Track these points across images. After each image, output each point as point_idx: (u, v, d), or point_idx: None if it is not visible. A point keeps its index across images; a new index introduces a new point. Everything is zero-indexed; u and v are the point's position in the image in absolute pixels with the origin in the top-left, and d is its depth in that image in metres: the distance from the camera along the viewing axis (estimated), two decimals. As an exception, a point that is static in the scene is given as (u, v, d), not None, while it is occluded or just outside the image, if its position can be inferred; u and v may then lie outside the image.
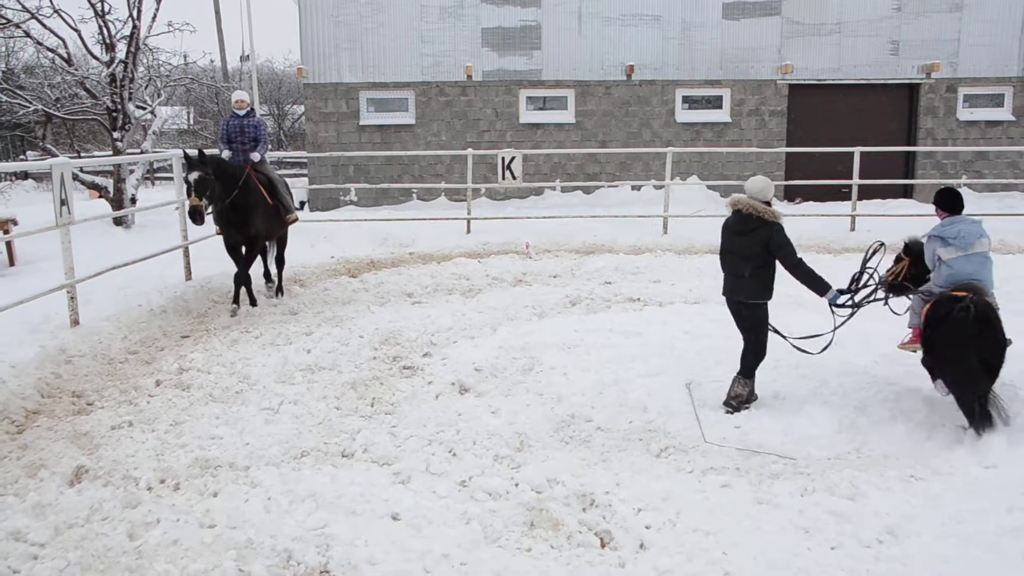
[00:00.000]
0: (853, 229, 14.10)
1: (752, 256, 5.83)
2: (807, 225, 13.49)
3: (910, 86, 18.08)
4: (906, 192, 17.83)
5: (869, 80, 17.88)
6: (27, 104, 16.45)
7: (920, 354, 5.83)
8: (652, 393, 6.28)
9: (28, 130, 22.74)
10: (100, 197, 16.14)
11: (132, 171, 15.58)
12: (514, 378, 6.81)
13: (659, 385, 6.44)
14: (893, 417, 5.73)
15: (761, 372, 6.16)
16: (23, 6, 14.52)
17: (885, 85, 17.98)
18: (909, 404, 5.92)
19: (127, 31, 15.03)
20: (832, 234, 13.71)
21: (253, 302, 9.26)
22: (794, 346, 6.06)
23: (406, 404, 6.27)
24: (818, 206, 16.16)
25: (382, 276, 11.24)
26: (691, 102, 18.13)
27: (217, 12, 28.96)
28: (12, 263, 11.61)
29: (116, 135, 15.30)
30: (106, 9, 14.80)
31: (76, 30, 15.06)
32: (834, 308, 5.90)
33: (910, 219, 12.51)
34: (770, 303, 6.02)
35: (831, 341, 6.03)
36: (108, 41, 15.03)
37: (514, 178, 14.40)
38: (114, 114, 15.23)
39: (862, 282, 6.01)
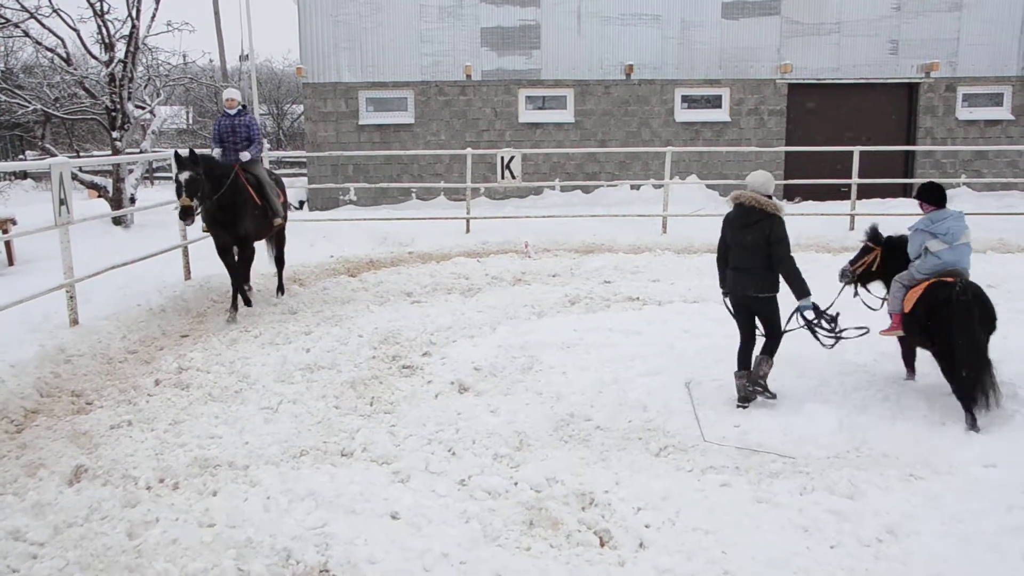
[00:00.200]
0: (852, 228, 14.10)
1: (756, 249, 5.86)
2: (806, 224, 13.50)
3: (909, 85, 18.09)
4: (905, 191, 17.81)
5: (868, 79, 17.88)
6: (26, 104, 16.45)
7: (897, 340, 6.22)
8: (651, 392, 6.28)
9: (27, 130, 22.74)
10: (99, 197, 16.13)
11: (131, 171, 15.57)
12: (513, 377, 6.80)
13: (658, 384, 6.44)
14: (893, 416, 5.73)
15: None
16: (22, 6, 14.52)
17: (884, 84, 17.99)
18: (909, 403, 5.93)
19: (126, 31, 15.04)
20: (831, 233, 13.71)
21: (248, 302, 9.19)
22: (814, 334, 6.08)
23: (405, 403, 6.27)
24: (817, 205, 16.16)
25: (381, 275, 11.24)
26: (690, 101, 18.13)
27: (216, 12, 28.95)
28: (11, 263, 11.61)
29: (115, 135, 15.29)
30: (105, 9, 14.81)
31: (75, 30, 15.07)
32: (801, 316, 6.01)
33: (910, 218, 12.49)
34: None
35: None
36: (107, 41, 15.02)
37: (513, 177, 14.40)
38: (113, 114, 15.22)
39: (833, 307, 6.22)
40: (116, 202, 15.07)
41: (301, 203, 18.96)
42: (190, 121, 32.19)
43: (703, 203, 16.03)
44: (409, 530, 4.28)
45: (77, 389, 6.57)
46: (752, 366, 6.08)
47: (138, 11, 14.88)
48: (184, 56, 21.26)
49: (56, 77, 16.86)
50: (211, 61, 31.03)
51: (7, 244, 11.50)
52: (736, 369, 6.10)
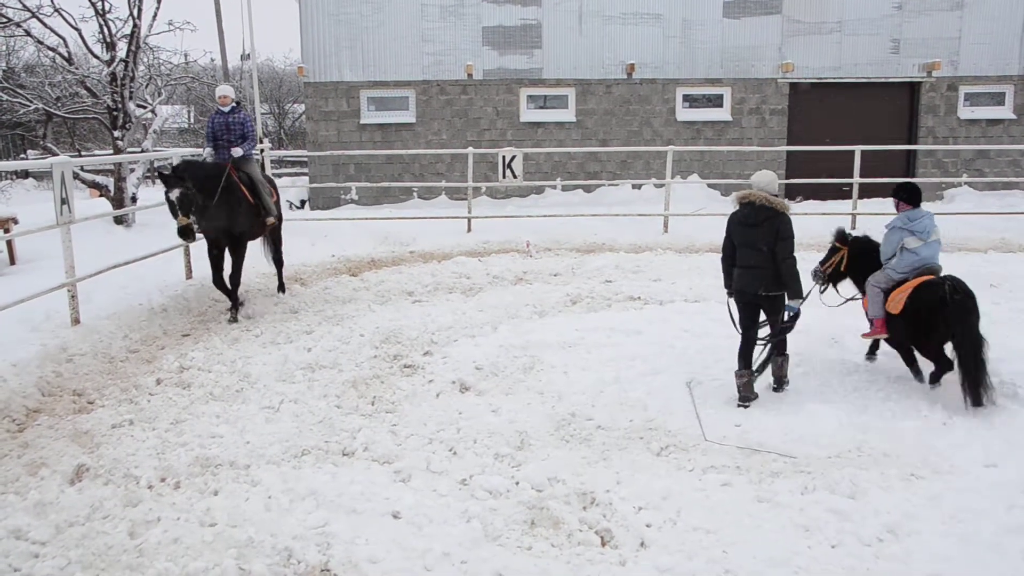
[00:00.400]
0: (854, 227, 14.08)
1: (767, 247, 5.89)
2: (808, 223, 13.45)
3: (911, 84, 18.07)
4: (907, 191, 17.81)
5: (870, 79, 17.86)
6: (28, 103, 16.45)
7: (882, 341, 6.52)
8: (652, 392, 6.28)
9: (29, 129, 22.77)
10: (101, 196, 16.15)
11: (133, 170, 15.58)
12: (515, 377, 6.81)
13: (659, 384, 6.44)
14: (893, 416, 5.73)
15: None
16: (24, 5, 14.53)
17: (886, 84, 17.97)
18: (910, 403, 5.93)
19: (128, 30, 15.04)
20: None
21: (234, 317, 8.80)
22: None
23: (407, 403, 6.27)
24: (819, 204, 16.15)
25: (383, 275, 11.24)
26: (692, 101, 18.12)
27: (218, 11, 28.92)
28: (13, 262, 11.61)
29: (116, 134, 15.30)
30: (107, 8, 14.81)
31: (77, 29, 15.08)
32: (788, 314, 6.14)
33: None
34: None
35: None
36: (109, 40, 15.03)
37: (515, 177, 14.40)
38: (115, 113, 15.23)
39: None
40: (117, 201, 15.08)
41: (303, 202, 18.97)
42: (191, 120, 32.20)
43: (704, 202, 16.01)
44: (410, 529, 4.28)
45: (79, 388, 6.58)
46: (772, 369, 6.20)
47: (139, 10, 14.89)
48: (185, 55, 21.29)
49: (58, 76, 16.86)
50: (212, 60, 31.12)
51: (9, 243, 11.50)
52: (737, 368, 6.10)
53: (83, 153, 23.68)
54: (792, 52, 17.67)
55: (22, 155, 27.02)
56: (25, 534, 4.19)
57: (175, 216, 8.09)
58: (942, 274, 6.12)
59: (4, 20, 14.98)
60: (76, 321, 7.94)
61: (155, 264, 10.08)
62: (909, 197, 6.37)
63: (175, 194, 7.99)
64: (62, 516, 4.39)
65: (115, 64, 14.92)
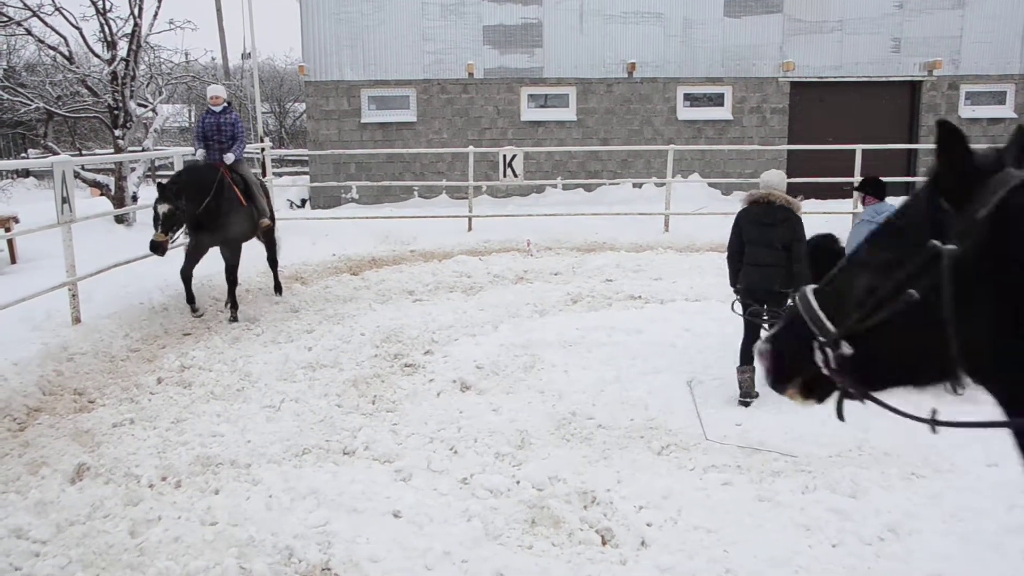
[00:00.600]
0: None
1: (783, 246, 5.95)
2: (809, 223, 13.38)
3: (912, 83, 18.06)
4: (907, 190, 17.80)
5: (871, 78, 17.85)
6: (28, 102, 16.45)
7: None
8: (653, 391, 6.28)
9: (30, 128, 22.74)
10: (101, 195, 16.14)
11: (133, 169, 15.58)
12: (515, 376, 6.81)
13: (660, 383, 6.44)
14: (894, 414, 5.72)
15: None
16: (25, 4, 14.51)
17: (887, 83, 17.95)
18: (910, 402, 5.92)
19: (128, 29, 15.03)
20: (834, 232, 13.67)
21: (193, 302, 8.76)
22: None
23: (407, 402, 6.28)
24: (820, 204, 16.13)
25: (383, 274, 11.25)
26: (693, 100, 18.11)
27: (218, 10, 28.95)
28: (14, 261, 11.62)
29: (117, 133, 15.30)
30: (107, 7, 14.80)
31: (77, 28, 15.07)
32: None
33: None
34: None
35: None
36: (109, 39, 15.02)
37: (515, 176, 14.39)
38: (115, 112, 15.22)
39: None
40: (118, 200, 15.08)
41: (303, 201, 18.97)
42: (192, 119, 32.18)
43: (705, 201, 16.01)
44: (411, 528, 4.28)
45: (79, 387, 6.58)
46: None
47: (140, 9, 14.88)
48: (186, 54, 21.33)
49: (58, 75, 16.85)
50: (213, 59, 31.11)
51: (10, 242, 11.51)
52: (739, 364, 6.11)
53: (84, 152, 23.71)
54: (793, 51, 17.66)
55: (23, 154, 27.02)
56: (26, 533, 4.19)
57: (155, 227, 8.09)
58: None
59: (5, 19, 14.98)
60: (77, 320, 7.94)
61: (156, 263, 10.05)
62: (874, 191, 6.59)
63: (163, 208, 8.00)
64: (63, 515, 4.39)
65: (116, 63, 14.91)
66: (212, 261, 9.07)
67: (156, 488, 4.81)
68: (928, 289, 1.56)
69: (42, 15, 14.72)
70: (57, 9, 14.64)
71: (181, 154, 10.92)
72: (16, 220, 12.46)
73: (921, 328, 1.59)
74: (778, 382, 1.94)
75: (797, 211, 6.13)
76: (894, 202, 6.48)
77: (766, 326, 6.24)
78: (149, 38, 15.65)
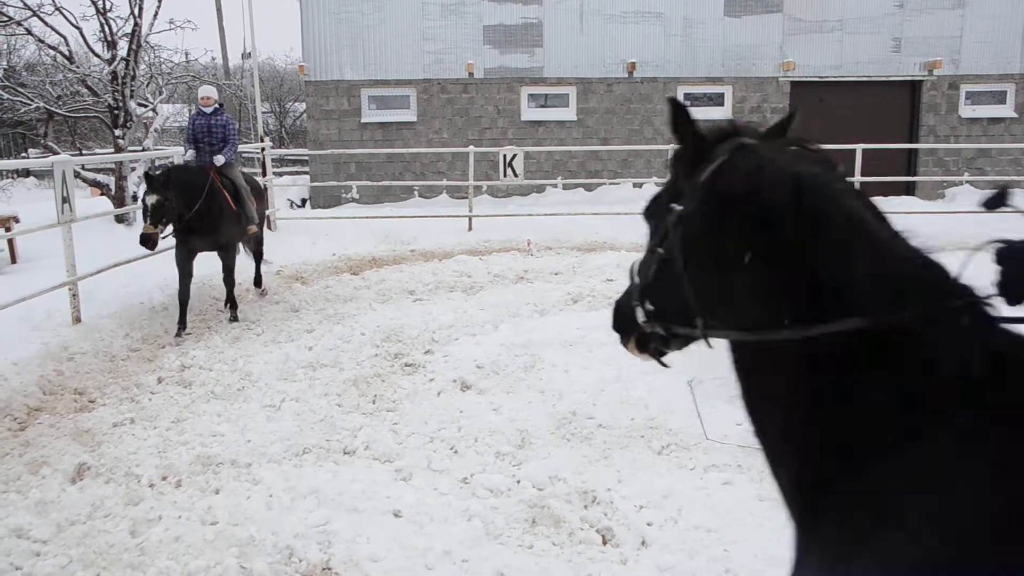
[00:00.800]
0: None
1: None
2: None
3: (912, 83, 18.06)
4: (908, 189, 17.81)
5: (871, 77, 17.86)
6: (29, 102, 16.46)
7: None
8: (653, 390, 6.28)
9: (30, 128, 22.75)
10: (102, 195, 16.15)
11: (134, 168, 15.58)
12: (516, 375, 6.80)
13: (661, 382, 6.43)
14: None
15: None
16: (25, 3, 14.52)
17: (887, 82, 17.96)
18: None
19: (129, 28, 15.03)
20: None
21: (184, 326, 8.25)
22: None
23: (408, 401, 6.27)
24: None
25: (384, 273, 11.24)
26: (693, 99, 18.10)
27: (219, 9, 28.97)
28: (14, 260, 11.62)
29: (118, 133, 15.30)
30: (108, 6, 14.81)
31: (78, 27, 15.08)
32: None
33: (912, 216, 12.50)
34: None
35: None
36: (110, 39, 15.03)
37: (516, 175, 14.39)
38: (116, 112, 15.23)
39: None
40: (118, 200, 15.09)
41: (304, 201, 18.97)
42: (192, 119, 32.16)
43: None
44: (411, 528, 4.28)
45: (80, 387, 6.58)
46: None
47: (140, 9, 14.88)
48: (187, 54, 21.33)
49: (58, 75, 16.86)
50: (213, 59, 31.11)
51: (10, 242, 11.52)
52: None
53: (84, 152, 23.71)
54: (793, 51, 17.66)
55: (23, 154, 27.03)
56: (26, 533, 4.19)
57: (144, 220, 7.87)
58: None
59: (5, 19, 14.99)
60: (77, 320, 7.95)
61: (156, 263, 10.07)
62: None
63: (152, 199, 7.77)
64: (63, 515, 4.39)
65: (116, 63, 14.92)
66: (212, 262, 9.07)
67: (156, 488, 4.81)
68: (670, 247, 1.82)
69: (42, 15, 14.73)
70: (57, 9, 14.65)
71: (181, 154, 10.92)
72: (16, 220, 12.47)
73: (675, 282, 1.82)
74: (619, 335, 2.18)
75: None
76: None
77: None
78: (149, 38, 15.67)
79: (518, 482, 4.80)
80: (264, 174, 14.69)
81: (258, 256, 10.02)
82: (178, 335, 8.06)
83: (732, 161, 1.71)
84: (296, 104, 33.42)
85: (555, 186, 17.89)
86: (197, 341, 8.01)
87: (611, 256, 11.96)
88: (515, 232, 13.66)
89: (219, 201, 8.54)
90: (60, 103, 16.66)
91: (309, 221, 14.59)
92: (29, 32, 15.45)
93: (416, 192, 17.83)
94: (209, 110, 9.05)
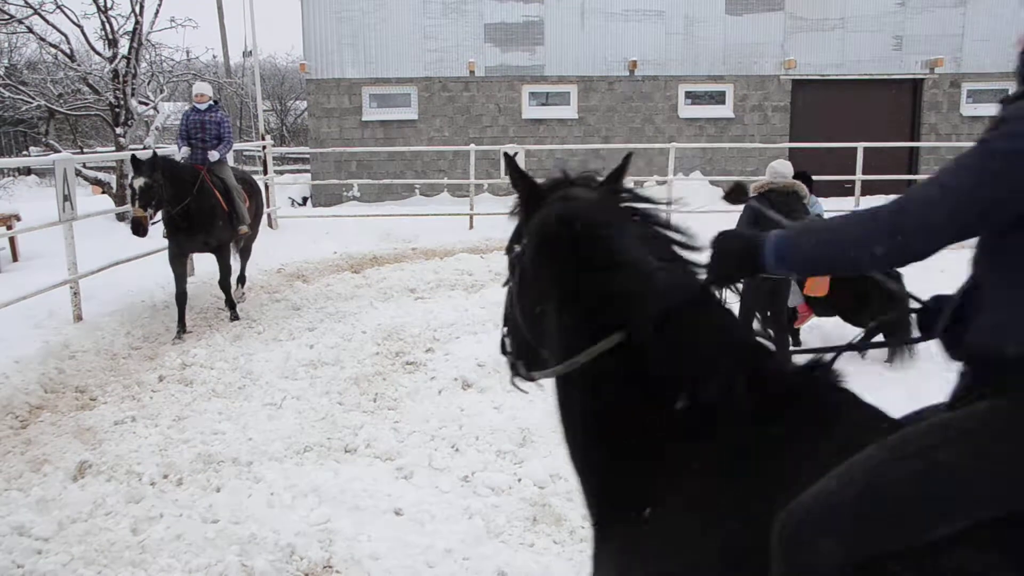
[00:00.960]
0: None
1: None
2: (810, 221, 13.48)
3: (913, 81, 18.04)
4: (909, 188, 17.79)
5: (872, 75, 17.84)
6: (30, 100, 16.46)
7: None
8: (655, 389, 6.28)
9: (31, 126, 22.79)
10: (103, 193, 16.16)
11: (135, 167, 15.57)
12: (517, 374, 6.79)
13: (662, 381, 6.43)
14: (894, 413, 5.72)
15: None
16: (26, 2, 14.52)
17: (888, 80, 17.94)
18: (902, 392, 5.92)
19: (130, 27, 15.03)
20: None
21: (183, 328, 8.13)
22: None
23: (409, 400, 6.27)
24: (821, 201, 16.11)
25: (384, 272, 11.24)
26: (694, 97, 18.10)
27: (219, 8, 28.94)
28: (15, 258, 11.63)
29: (119, 131, 15.30)
30: (109, 5, 14.81)
31: (79, 26, 15.09)
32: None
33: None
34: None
35: None
36: (111, 37, 15.03)
37: (517, 174, 14.38)
38: (117, 110, 15.23)
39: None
40: (120, 198, 15.08)
41: (304, 199, 18.97)
42: (193, 117, 32.15)
43: (707, 199, 15.99)
44: (412, 526, 4.28)
45: (81, 385, 6.59)
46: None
47: (141, 7, 14.88)
48: (187, 52, 21.29)
49: (60, 73, 16.88)
50: (214, 57, 31.04)
51: (11, 240, 11.53)
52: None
53: (85, 150, 23.70)
54: (795, 49, 17.65)
55: (24, 152, 27.05)
56: (28, 530, 4.20)
57: (132, 204, 7.68)
58: None
59: (6, 17, 14.99)
60: (78, 318, 7.95)
61: (157, 261, 10.06)
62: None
63: (139, 182, 7.58)
64: (65, 512, 4.40)
65: (117, 61, 14.92)
66: (212, 262, 9.07)
67: (158, 486, 4.81)
68: (512, 283, 2.08)
69: (43, 13, 14.72)
70: (58, 7, 14.65)
71: (182, 154, 10.89)
72: (18, 218, 12.46)
73: (515, 316, 2.07)
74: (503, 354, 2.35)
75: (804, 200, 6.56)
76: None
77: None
78: (150, 36, 15.67)
79: (519, 480, 4.80)
80: (265, 172, 14.70)
81: (245, 254, 9.76)
82: (178, 337, 8.00)
83: (546, 208, 1.96)
84: (297, 102, 33.44)
85: (556, 184, 17.87)
86: (198, 339, 8.01)
87: (612, 254, 11.95)
88: (516, 230, 13.64)
89: (210, 200, 8.38)
90: (61, 101, 16.67)
91: (310, 219, 14.59)
92: (30, 30, 15.45)
93: (417, 190, 17.83)
94: (203, 107, 8.92)
